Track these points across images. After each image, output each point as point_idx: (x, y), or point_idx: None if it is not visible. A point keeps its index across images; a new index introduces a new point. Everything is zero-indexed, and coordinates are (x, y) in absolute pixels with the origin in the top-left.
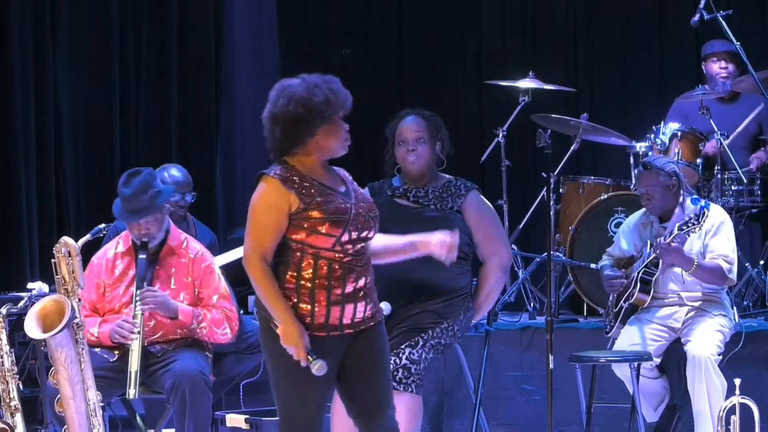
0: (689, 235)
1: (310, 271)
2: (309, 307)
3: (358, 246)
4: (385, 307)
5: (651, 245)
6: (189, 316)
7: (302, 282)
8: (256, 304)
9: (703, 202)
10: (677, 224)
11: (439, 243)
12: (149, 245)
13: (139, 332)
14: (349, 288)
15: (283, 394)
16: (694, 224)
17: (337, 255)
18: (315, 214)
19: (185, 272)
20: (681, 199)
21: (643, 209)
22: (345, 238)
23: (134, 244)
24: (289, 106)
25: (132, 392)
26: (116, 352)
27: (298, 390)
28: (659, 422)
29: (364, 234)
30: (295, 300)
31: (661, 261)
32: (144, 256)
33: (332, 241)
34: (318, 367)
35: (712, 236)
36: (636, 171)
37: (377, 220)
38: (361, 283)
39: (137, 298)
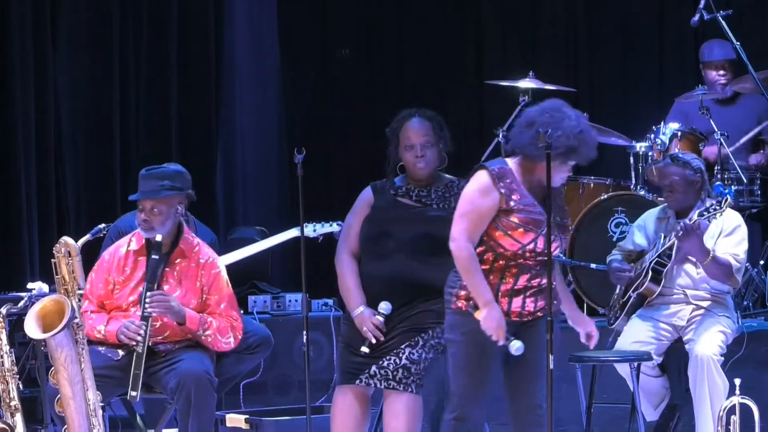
0: (710, 221)
1: (490, 262)
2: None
3: (540, 256)
4: (385, 307)
5: (664, 236)
6: (196, 323)
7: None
8: (448, 284)
9: (726, 190)
10: (698, 211)
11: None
12: (156, 241)
13: (145, 335)
14: (521, 284)
15: (461, 372)
16: (715, 209)
17: (517, 257)
18: (514, 218)
19: (195, 277)
20: (702, 198)
21: (661, 206)
22: (531, 246)
23: (147, 243)
24: (547, 129)
25: (134, 394)
26: (121, 351)
27: (474, 370)
28: (659, 421)
29: (551, 246)
30: None
31: (674, 251)
32: (157, 257)
33: (518, 246)
34: (517, 347)
35: (725, 236)
36: (661, 163)
37: (563, 234)
38: (535, 282)
39: (147, 300)
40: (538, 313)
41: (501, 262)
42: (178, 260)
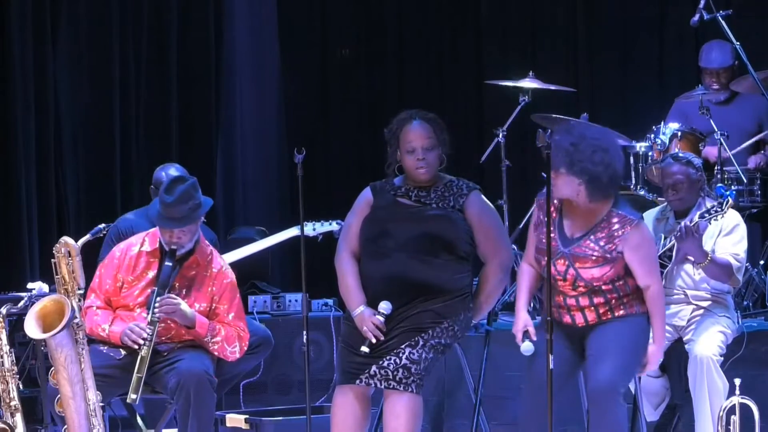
0: (710, 223)
1: (539, 271)
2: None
3: (562, 280)
4: (386, 306)
5: (665, 237)
6: (205, 329)
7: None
8: None
9: (728, 192)
10: (698, 212)
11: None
12: (177, 253)
13: (151, 339)
14: (558, 301)
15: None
16: (717, 211)
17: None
18: (536, 248)
19: (206, 284)
20: (701, 198)
21: (659, 207)
22: (548, 270)
23: (161, 248)
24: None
25: (134, 397)
26: (123, 351)
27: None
28: (659, 421)
29: (566, 278)
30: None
31: (674, 252)
32: (170, 264)
33: (540, 267)
34: (524, 347)
35: (725, 235)
36: (662, 164)
37: (587, 263)
38: (572, 302)
39: (156, 304)
40: (597, 322)
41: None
42: (192, 268)
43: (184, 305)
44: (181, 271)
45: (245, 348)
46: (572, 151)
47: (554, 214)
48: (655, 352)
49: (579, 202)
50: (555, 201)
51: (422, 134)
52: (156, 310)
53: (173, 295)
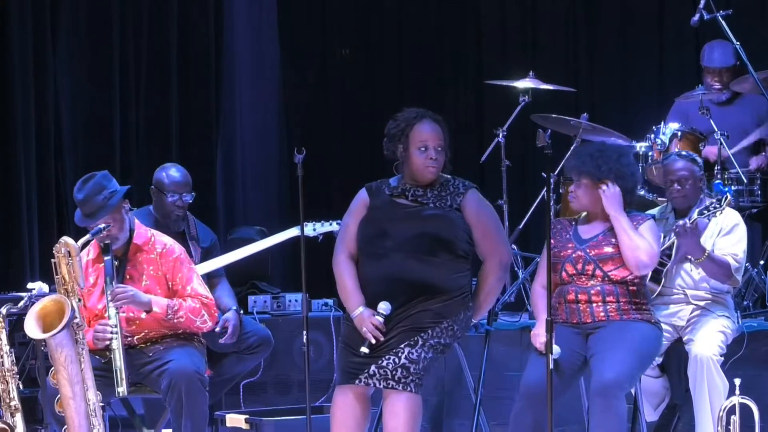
0: (709, 220)
1: (556, 280)
2: (556, 304)
3: (580, 277)
4: (385, 307)
5: (664, 236)
6: (163, 307)
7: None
8: None
9: (726, 188)
10: (697, 210)
11: None
12: (113, 246)
13: (116, 331)
14: (570, 297)
15: None
16: (715, 208)
17: (562, 276)
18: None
19: (155, 267)
20: (702, 196)
21: (658, 207)
22: (563, 274)
23: (100, 248)
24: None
25: (121, 390)
26: (107, 354)
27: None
28: (659, 422)
29: (584, 272)
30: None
31: (674, 251)
32: (109, 257)
33: (557, 270)
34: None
35: (724, 235)
36: (665, 161)
37: (603, 262)
38: (583, 297)
39: (109, 298)
40: (603, 322)
41: (555, 275)
42: (136, 255)
43: (135, 291)
44: (128, 262)
45: (215, 315)
46: (598, 156)
47: (570, 228)
48: None
49: (597, 212)
50: (568, 219)
51: (435, 135)
52: (110, 303)
53: (122, 285)
